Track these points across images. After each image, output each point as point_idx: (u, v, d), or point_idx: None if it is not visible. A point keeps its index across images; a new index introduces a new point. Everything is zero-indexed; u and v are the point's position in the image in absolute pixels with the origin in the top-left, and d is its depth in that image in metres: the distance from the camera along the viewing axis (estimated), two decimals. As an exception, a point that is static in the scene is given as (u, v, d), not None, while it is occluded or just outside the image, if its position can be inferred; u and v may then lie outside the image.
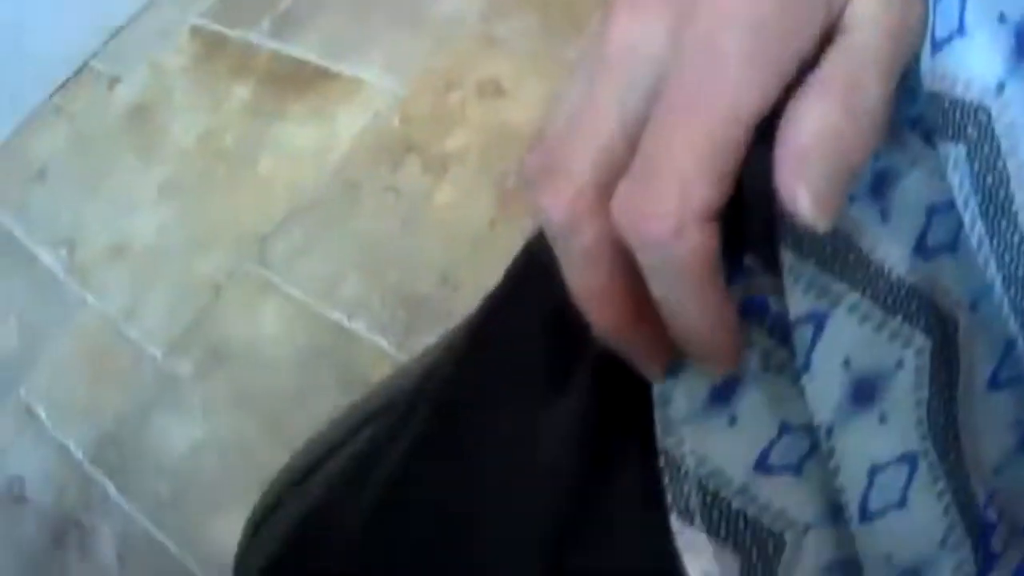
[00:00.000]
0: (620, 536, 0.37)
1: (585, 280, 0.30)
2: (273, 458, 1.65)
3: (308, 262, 1.64)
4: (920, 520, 0.34)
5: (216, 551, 1.56)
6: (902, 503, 0.34)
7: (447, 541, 0.38)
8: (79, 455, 1.74)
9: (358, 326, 1.58)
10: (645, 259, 0.27)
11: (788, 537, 0.35)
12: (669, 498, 0.33)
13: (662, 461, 0.34)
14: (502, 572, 0.37)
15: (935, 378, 0.34)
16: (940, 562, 0.34)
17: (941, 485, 0.34)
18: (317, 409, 1.60)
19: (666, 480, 0.34)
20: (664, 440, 0.33)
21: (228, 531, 1.64)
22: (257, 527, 0.50)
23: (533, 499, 0.37)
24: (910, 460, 0.33)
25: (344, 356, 1.57)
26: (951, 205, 0.31)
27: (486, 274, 1.65)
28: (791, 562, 0.34)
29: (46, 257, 1.91)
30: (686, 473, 0.33)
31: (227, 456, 1.60)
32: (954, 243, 0.34)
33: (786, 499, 0.35)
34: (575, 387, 0.38)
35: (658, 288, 0.28)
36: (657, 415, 0.34)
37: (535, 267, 0.42)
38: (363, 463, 0.44)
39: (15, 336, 1.88)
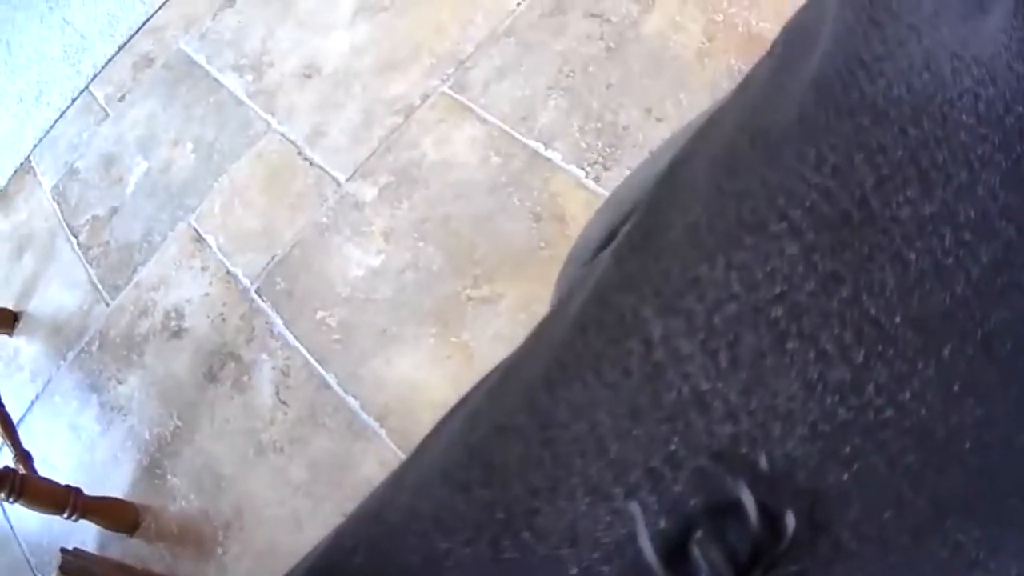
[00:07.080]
0: None
1: None
2: (454, 288, 1.59)
3: (507, 87, 1.58)
4: None
5: (381, 394, 1.51)
6: None
7: None
8: (246, 284, 1.71)
9: (555, 154, 1.51)
10: None
11: None
12: None
13: None
14: None
15: None
16: None
17: None
18: (506, 238, 1.53)
19: None
20: None
21: (396, 369, 1.59)
22: None
23: None
24: None
25: (539, 184, 1.50)
26: None
27: (691, 107, 1.53)
28: None
29: (231, 82, 1.89)
30: None
31: (405, 284, 1.54)
32: None
33: None
34: None
35: None
36: None
37: None
38: None
39: (190, 162, 1.86)
